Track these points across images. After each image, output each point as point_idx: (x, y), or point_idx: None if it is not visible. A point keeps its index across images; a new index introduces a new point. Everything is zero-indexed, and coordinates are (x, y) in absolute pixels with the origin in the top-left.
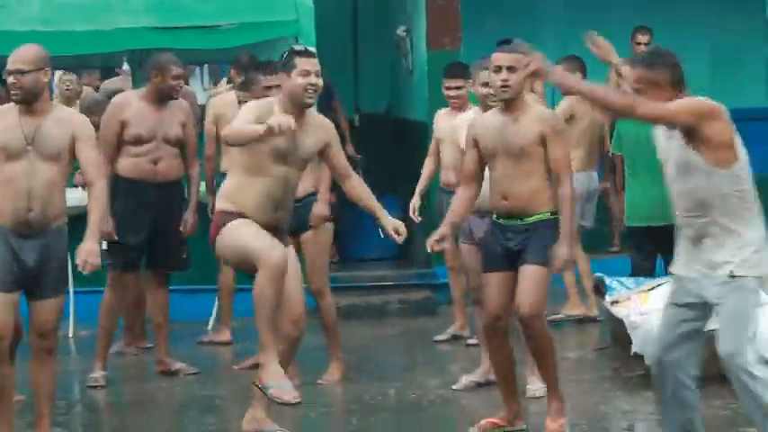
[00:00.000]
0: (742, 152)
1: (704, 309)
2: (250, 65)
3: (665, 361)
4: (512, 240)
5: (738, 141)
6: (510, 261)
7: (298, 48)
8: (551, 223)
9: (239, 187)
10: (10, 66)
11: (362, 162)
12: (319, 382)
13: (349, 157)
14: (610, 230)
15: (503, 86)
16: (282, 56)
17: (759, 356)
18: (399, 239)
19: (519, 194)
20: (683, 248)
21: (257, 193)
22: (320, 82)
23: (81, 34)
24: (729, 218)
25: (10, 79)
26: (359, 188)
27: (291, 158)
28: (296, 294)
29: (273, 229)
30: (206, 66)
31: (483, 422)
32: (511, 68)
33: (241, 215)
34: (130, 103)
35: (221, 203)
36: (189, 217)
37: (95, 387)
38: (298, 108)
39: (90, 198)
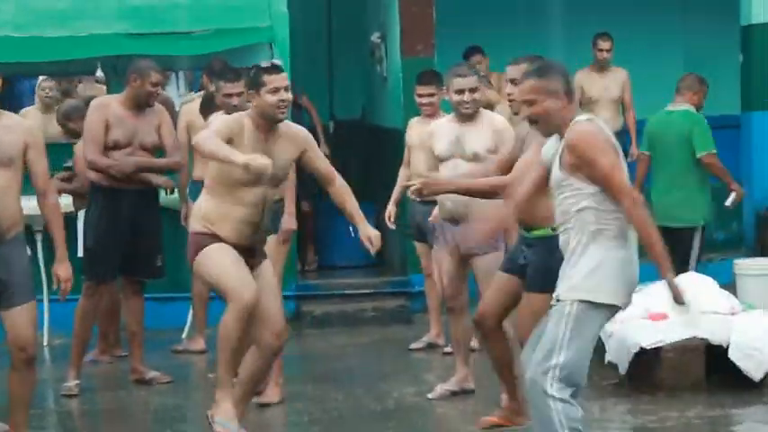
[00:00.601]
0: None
1: None
2: (222, 71)
3: None
4: (521, 251)
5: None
6: (520, 269)
7: (265, 64)
8: (552, 243)
9: (217, 212)
10: None
11: (336, 164)
12: (257, 401)
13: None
14: None
15: (509, 100)
16: (250, 73)
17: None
18: (372, 250)
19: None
20: None
21: (235, 220)
22: (290, 96)
23: (55, 40)
24: (579, 235)
25: None
26: (343, 192)
27: (267, 178)
28: (275, 307)
29: (251, 250)
30: (181, 72)
31: (483, 419)
32: (513, 81)
33: (218, 238)
34: (110, 106)
35: (199, 225)
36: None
37: (69, 396)
38: (269, 123)
39: (47, 215)
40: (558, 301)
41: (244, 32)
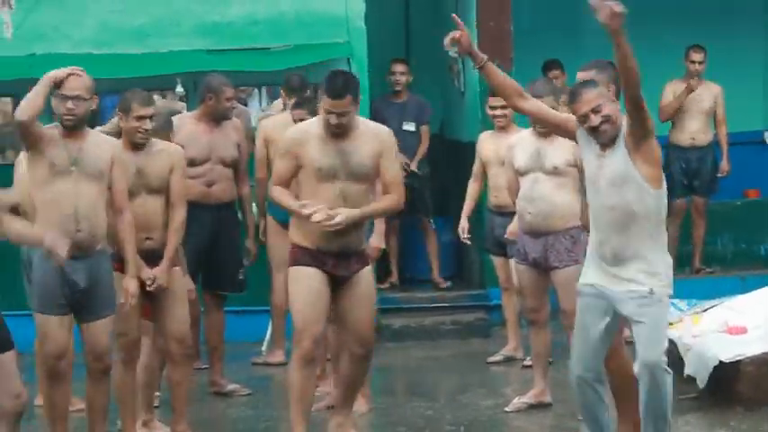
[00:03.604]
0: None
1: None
2: (300, 86)
3: (586, 377)
4: None
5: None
6: None
7: (330, 83)
8: None
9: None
10: (68, 91)
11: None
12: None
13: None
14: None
15: None
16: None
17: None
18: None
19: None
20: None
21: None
22: (344, 121)
23: (135, 57)
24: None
25: (68, 104)
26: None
27: (344, 173)
28: (363, 318)
29: (341, 255)
30: (263, 88)
31: None
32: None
33: (309, 251)
34: (184, 126)
35: (293, 233)
36: (250, 246)
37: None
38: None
39: (122, 231)
40: (651, 293)
41: (322, 48)
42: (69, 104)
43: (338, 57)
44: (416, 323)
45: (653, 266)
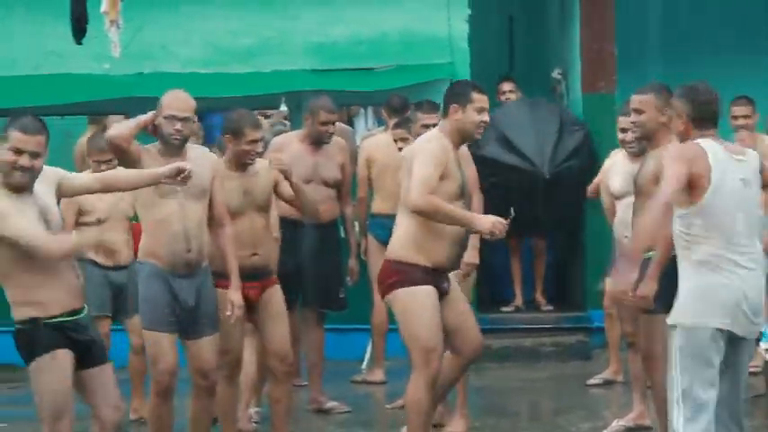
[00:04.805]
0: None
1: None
2: (402, 107)
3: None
4: None
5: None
6: None
7: (472, 82)
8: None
9: (428, 233)
10: (178, 112)
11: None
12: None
13: None
14: None
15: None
16: (453, 89)
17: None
18: None
19: None
20: None
21: (448, 237)
22: (488, 119)
23: (240, 76)
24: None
25: (177, 125)
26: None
27: (466, 190)
28: (472, 323)
29: (450, 270)
30: (369, 108)
31: None
32: (637, 111)
33: (423, 269)
34: (289, 145)
35: (406, 252)
36: (353, 265)
37: (249, 423)
38: (461, 141)
39: (224, 245)
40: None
41: (425, 68)
42: (179, 126)
43: (441, 77)
44: (516, 344)
45: (679, 292)
